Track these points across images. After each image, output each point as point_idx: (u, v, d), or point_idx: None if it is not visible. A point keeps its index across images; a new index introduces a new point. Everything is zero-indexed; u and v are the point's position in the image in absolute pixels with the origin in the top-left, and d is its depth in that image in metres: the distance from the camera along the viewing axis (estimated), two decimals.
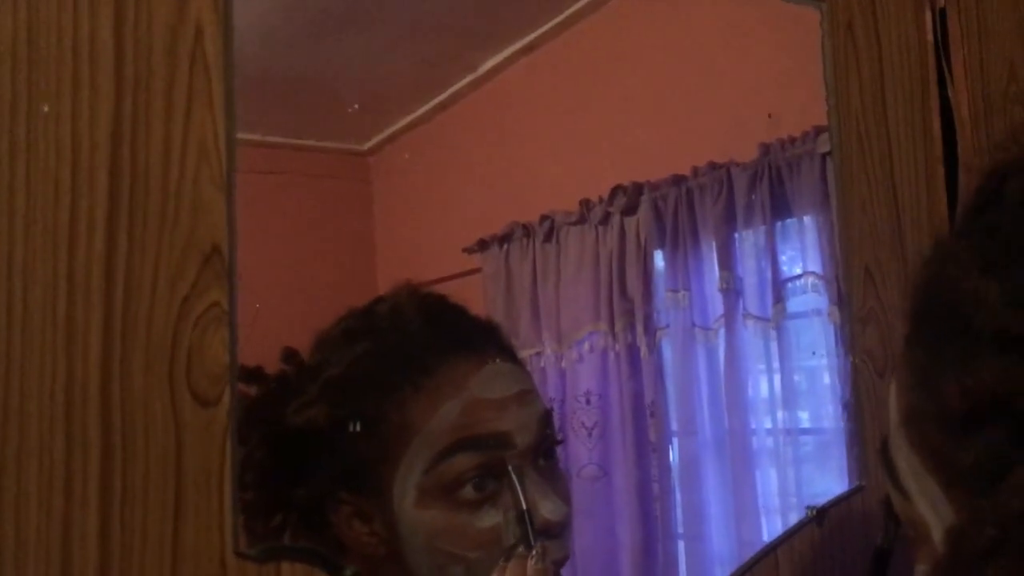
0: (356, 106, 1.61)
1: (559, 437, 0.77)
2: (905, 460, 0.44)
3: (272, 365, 0.75)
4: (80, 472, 0.55)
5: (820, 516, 0.81)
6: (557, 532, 0.69)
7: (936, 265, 0.43)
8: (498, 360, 0.73)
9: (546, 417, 0.73)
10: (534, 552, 0.65)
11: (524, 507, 0.67)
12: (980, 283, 0.40)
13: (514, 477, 0.67)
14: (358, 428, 0.69)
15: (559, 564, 0.70)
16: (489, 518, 0.67)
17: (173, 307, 0.58)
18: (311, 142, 2.04)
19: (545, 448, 0.72)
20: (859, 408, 0.85)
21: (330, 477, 0.70)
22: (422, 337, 0.72)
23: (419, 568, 0.68)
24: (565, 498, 0.71)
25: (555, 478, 0.73)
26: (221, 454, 0.58)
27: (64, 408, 0.55)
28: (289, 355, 0.75)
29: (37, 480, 0.54)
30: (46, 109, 0.56)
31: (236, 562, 0.58)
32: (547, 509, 0.68)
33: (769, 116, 1.51)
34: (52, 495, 0.54)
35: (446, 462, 0.68)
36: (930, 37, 0.90)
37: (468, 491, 0.67)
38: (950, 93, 0.90)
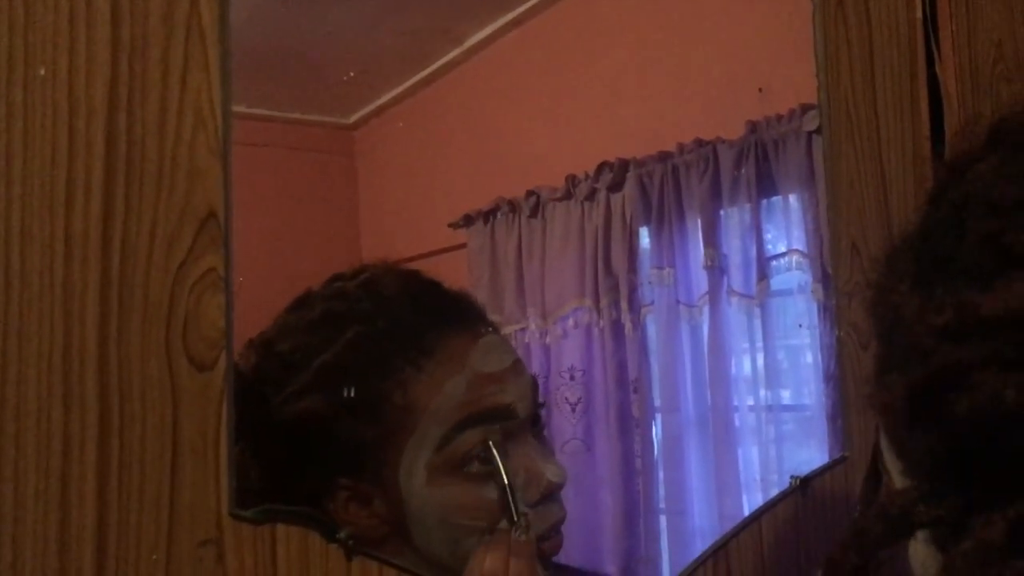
0: (352, 73, 1.60)
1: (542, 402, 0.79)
2: (882, 437, 0.46)
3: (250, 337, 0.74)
4: (78, 434, 0.55)
5: (804, 485, 0.83)
6: (557, 495, 0.71)
7: (882, 267, 0.45)
8: (489, 333, 0.74)
9: (536, 385, 0.74)
10: (519, 524, 0.67)
11: (506, 481, 0.68)
12: (905, 297, 0.41)
13: (495, 452, 0.69)
14: (358, 409, 0.69)
15: (558, 524, 0.71)
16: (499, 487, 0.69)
17: (170, 272, 0.59)
18: (296, 115, 2.03)
19: (537, 416, 0.74)
20: (843, 380, 0.87)
21: (328, 465, 0.70)
22: (413, 316, 0.73)
23: (429, 544, 0.69)
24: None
25: (546, 443, 0.75)
26: (217, 418, 0.59)
27: (62, 371, 0.55)
28: (259, 344, 0.74)
29: (35, 442, 0.54)
30: (42, 72, 0.56)
31: (232, 523, 0.59)
32: (551, 472, 0.70)
33: (760, 91, 1.51)
34: (50, 457, 0.55)
35: (456, 439, 0.69)
36: (919, 14, 0.91)
37: (475, 465, 0.69)
38: (938, 70, 0.90)
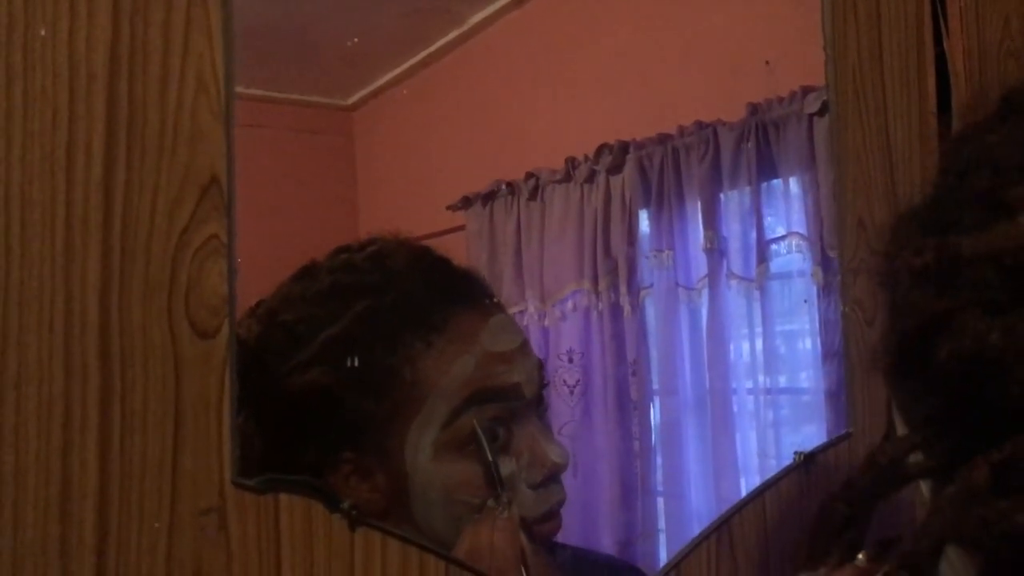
0: (355, 40, 1.59)
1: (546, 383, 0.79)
2: (893, 407, 0.46)
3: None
4: (79, 400, 0.55)
5: (807, 461, 0.83)
6: (559, 477, 0.72)
7: (888, 236, 0.45)
8: (498, 312, 0.74)
9: (541, 367, 0.75)
10: (501, 501, 0.67)
11: (491, 459, 0.68)
12: (905, 260, 0.41)
13: (480, 432, 0.69)
14: (366, 383, 0.69)
15: (558, 506, 0.72)
16: (504, 466, 0.69)
17: (172, 238, 0.58)
18: (295, 96, 2.01)
19: (541, 397, 0.74)
20: (847, 356, 0.87)
21: (332, 438, 0.69)
22: (424, 291, 0.72)
23: (430, 521, 0.69)
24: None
25: (548, 425, 0.75)
26: (220, 386, 0.58)
27: (63, 337, 0.55)
28: (263, 314, 0.73)
29: (36, 408, 0.54)
30: (43, 33, 0.55)
31: (235, 492, 0.58)
32: (555, 453, 0.71)
33: (767, 63, 1.51)
34: (51, 423, 0.54)
35: (463, 416, 0.68)
36: None
37: None
38: (945, 46, 0.90)
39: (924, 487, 0.42)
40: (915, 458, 0.39)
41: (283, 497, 0.60)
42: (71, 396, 0.55)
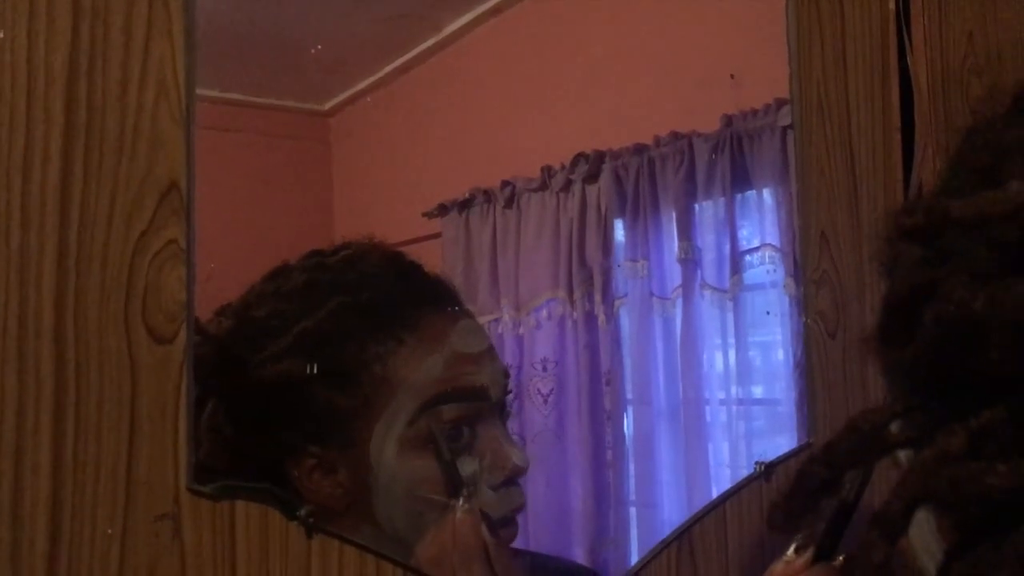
0: (319, 47, 1.59)
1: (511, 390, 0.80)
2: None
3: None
4: (32, 405, 0.54)
5: (768, 471, 0.83)
6: (519, 481, 0.72)
7: (892, 220, 0.45)
8: (467, 317, 0.75)
9: (507, 373, 0.76)
10: (462, 496, 0.68)
11: (448, 459, 0.69)
12: (897, 220, 0.41)
13: (437, 433, 0.70)
14: (337, 377, 0.70)
15: (518, 510, 0.73)
16: (466, 465, 0.70)
17: (129, 243, 0.58)
18: (270, 100, 2.01)
19: (504, 403, 0.76)
20: (809, 367, 0.87)
21: (299, 430, 0.70)
22: (397, 292, 0.74)
23: (391, 518, 0.70)
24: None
25: (509, 432, 0.76)
26: (176, 391, 0.58)
27: (16, 341, 0.54)
28: (234, 310, 0.74)
29: None
30: (1, 35, 0.55)
31: (190, 498, 0.58)
32: (517, 457, 0.72)
33: (732, 77, 1.52)
34: (3, 428, 0.54)
35: (429, 414, 0.69)
36: (892, 6, 0.92)
37: None
38: (909, 62, 0.91)
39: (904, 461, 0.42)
40: (897, 427, 0.39)
41: (239, 504, 0.60)
42: (24, 401, 0.54)
